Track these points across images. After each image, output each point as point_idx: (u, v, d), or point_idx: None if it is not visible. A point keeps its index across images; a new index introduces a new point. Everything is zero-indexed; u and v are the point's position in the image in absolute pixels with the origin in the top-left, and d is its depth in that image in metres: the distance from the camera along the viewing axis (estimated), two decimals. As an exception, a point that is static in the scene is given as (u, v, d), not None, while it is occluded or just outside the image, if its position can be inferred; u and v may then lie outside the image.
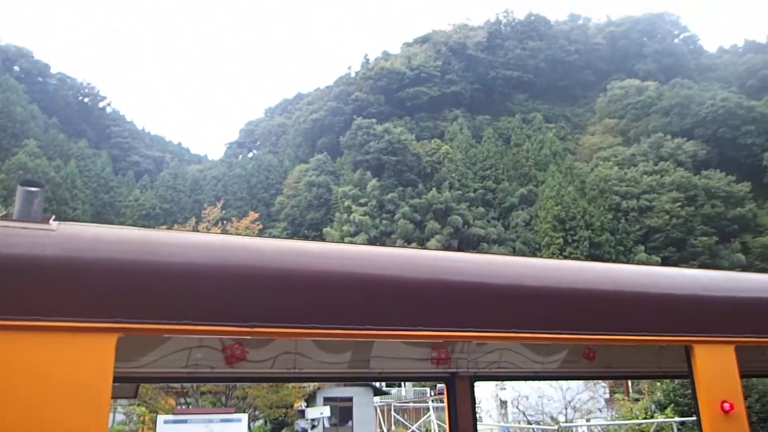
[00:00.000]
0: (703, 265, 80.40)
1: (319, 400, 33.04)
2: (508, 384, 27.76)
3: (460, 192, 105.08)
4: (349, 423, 35.61)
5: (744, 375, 3.34)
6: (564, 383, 23.72)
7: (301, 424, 18.76)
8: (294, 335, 2.58)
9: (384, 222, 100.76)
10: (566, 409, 24.60)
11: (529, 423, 25.04)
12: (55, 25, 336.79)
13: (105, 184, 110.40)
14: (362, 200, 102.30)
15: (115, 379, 2.15)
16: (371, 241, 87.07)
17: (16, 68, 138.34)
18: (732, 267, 74.99)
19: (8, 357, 2.03)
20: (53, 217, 2.41)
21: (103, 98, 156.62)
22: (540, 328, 2.98)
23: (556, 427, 21.43)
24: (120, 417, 28.67)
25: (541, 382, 22.95)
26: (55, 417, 2.01)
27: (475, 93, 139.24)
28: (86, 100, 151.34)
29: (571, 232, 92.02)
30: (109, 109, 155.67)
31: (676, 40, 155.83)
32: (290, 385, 27.23)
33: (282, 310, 2.47)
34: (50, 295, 2.15)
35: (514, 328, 2.91)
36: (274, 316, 2.44)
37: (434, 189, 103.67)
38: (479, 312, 2.87)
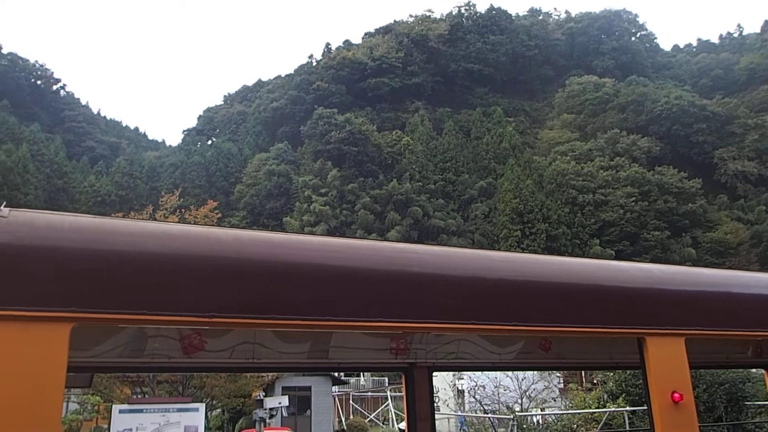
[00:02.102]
0: (655, 259, 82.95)
1: (278, 389, 32.90)
2: (465, 374, 28.06)
3: (420, 183, 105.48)
4: (308, 412, 35.56)
5: (692, 366, 3.45)
6: (520, 373, 24.12)
7: (259, 413, 18.66)
8: (252, 325, 2.60)
9: (344, 212, 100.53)
10: (522, 398, 24.98)
11: (486, 412, 25.34)
12: (5, 3, 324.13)
13: (58, 170, 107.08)
14: (323, 190, 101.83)
15: (69, 369, 2.12)
16: (331, 232, 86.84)
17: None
18: (683, 261, 77.50)
19: None
20: (4, 203, 2.35)
21: (58, 81, 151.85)
22: (497, 319, 3.01)
23: (511, 416, 21.75)
24: (74, 406, 28.07)
25: (498, 372, 23.38)
26: (6, 408, 1.98)
27: (436, 85, 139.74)
28: (39, 82, 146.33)
29: (529, 224, 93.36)
30: (63, 92, 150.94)
31: (633, 38, 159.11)
32: (248, 374, 27.07)
33: (240, 301, 2.44)
34: (1, 283, 2.10)
35: (472, 319, 2.92)
36: (232, 306, 2.41)
37: (395, 180, 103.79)
38: (438, 304, 2.88)
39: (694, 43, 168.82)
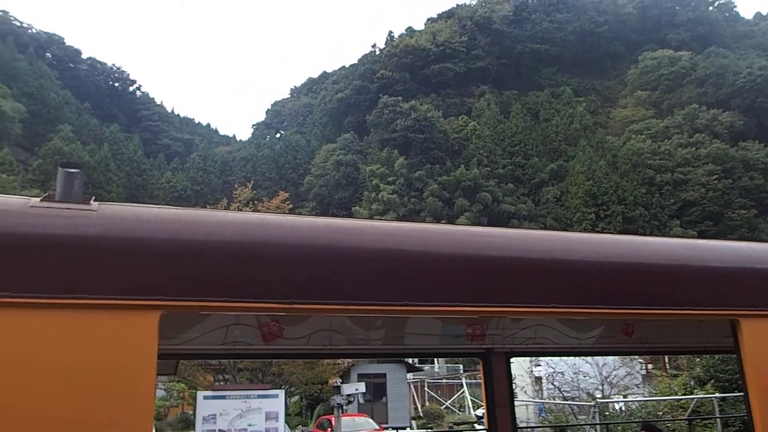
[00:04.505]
0: (741, 239, 78.68)
1: (353, 376, 33.41)
2: (542, 360, 27.66)
3: (488, 168, 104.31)
4: (384, 399, 36.03)
5: None
6: (600, 359, 23.57)
7: (336, 399, 19.05)
8: (330, 311, 2.57)
9: (413, 200, 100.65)
10: (603, 385, 24.43)
11: (565, 399, 24.92)
12: (84, 10, 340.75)
13: (137, 167, 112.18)
14: (390, 179, 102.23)
15: (157, 356, 2.18)
16: (400, 220, 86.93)
17: (49, 55, 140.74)
18: (770, 240, 73.12)
19: (55, 334, 2.07)
20: (93, 197, 2.42)
21: (133, 82, 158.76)
22: (577, 303, 2.92)
23: (593, 403, 21.25)
24: (161, 393, 29.45)
25: (577, 358, 22.90)
26: (104, 392, 2.05)
27: (501, 68, 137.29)
28: (116, 84, 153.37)
29: (604, 207, 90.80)
30: (138, 93, 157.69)
31: (710, 8, 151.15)
32: (325, 361, 27.60)
33: (319, 287, 2.46)
34: (94, 274, 2.17)
35: (551, 303, 2.86)
36: (311, 292, 2.43)
37: (462, 166, 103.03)
38: (515, 287, 2.83)
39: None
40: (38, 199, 2.32)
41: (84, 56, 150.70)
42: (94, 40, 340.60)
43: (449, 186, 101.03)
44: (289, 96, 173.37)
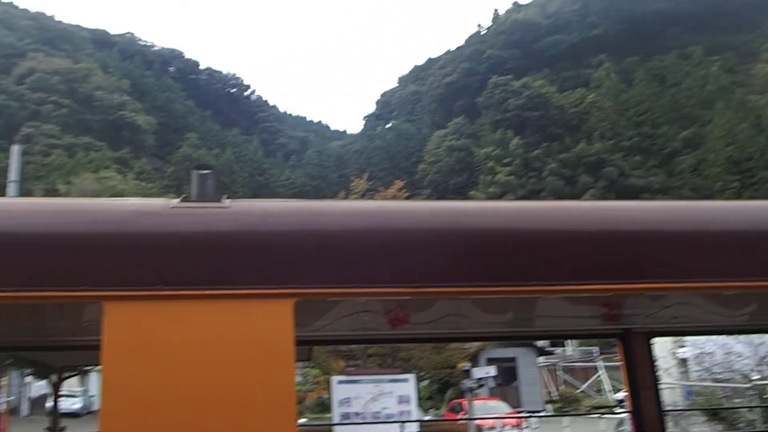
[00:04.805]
0: None
1: (482, 361, 33.29)
2: (687, 341, 25.96)
3: (612, 142, 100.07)
4: (514, 383, 35.83)
5: None
6: (755, 338, 21.65)
7: (467, 383, 19.28)
8: (457, 294, 2.58)
9: (531, 181, 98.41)
10: (760, 365, 22.40)
11: (716, 381, 23.13)
12: (196, 24, 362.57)
13: (259, 167, 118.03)
14: (506, 160, 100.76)
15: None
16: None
17: (172, 69, 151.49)
18: None
19: (202, 323, 2.28)
20: (226, 195, 2.60)
21: (247, 87, 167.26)
22: (726, 276, 2.64)
23: (749, 385, 19.47)
24: (298, 378, 31.03)
25: (728, 338, 21.58)
26: (250, 375, 2.24)
27: (620, 34, 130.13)
28: (233, 90, 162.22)
29: (749, 174, 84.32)
30: (253, 97, 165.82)
31: None
32: (453, 346, 27.80)
33: (444, 270, 2.46)
34: (231, 266, 2.34)
35: (695, 277, 2.62)
36: (436, 276, 2.44)
37: (583, 141, 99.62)
38: (653, 262, 2.62)
39: None
40: (177, 200, 2.53)
41: (202, 67, 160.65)
42: (210, 51, 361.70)
43: (570, 163, 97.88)
44: (397, 85, 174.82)
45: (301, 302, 2.33)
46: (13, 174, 20.54)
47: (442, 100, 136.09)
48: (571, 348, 49.12)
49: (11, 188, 21.03)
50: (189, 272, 2.30)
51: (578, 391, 41.64)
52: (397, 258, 2.44)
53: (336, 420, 17.28)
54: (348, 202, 2.92)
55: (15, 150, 21.81)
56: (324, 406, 30.30)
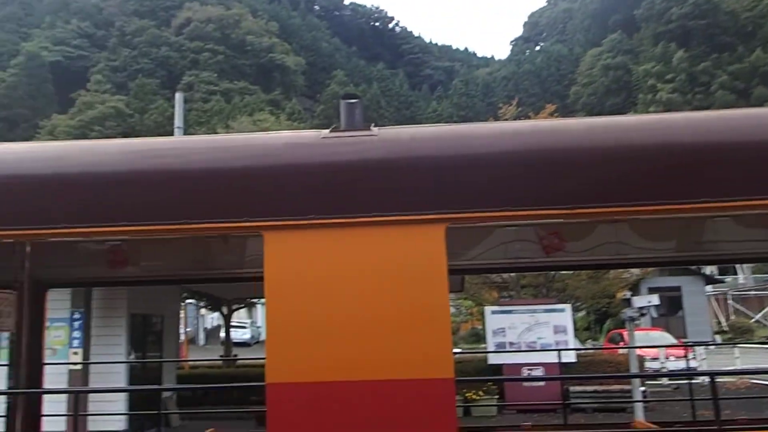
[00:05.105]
0: None
1: (643, 290, 31.76)
2: None
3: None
4: (679, 313, 34.05)
5: None
6: None
7: (628, 312, 18.54)
8: (614, 214, 2.40)
9: (697, 97, 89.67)
10: None
11: None
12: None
13: (405, 101, 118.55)
14: (669, 76, 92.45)
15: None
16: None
17: (316, 7, 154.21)
18: None
19: (357, 249, 2.31)
20: (374, 123, 2.60)
21: (391, 19, 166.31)
22: None
23: None
24: (452, 310, 31.69)
25: None
26: (404, 300, 2.25)
27: None
28: (377, 24, 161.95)
29: None
30: (398, 29, 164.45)
31: None
32: (611, 275, 26.87)
33: (601, 190, 2.35)
34: (382, 193, 2.35)
35: None
36: (592, 196, 2.34)
37: (759, 49, 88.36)
38: None
39: None
40: (328, 131, 2.56)
41: (346, 2, 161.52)
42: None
43: (743, 75, 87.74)
44: (546, 4, 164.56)
45: (452, 229, 2.31)
46: (178, 120, 21.64)
47: (596, 15, 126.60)
48: (742, 276, 45.60)
49: (177, 134, 22.79)
50: (342, 201, 2.36)
51: (752, 321, 38.81)
52: (550, 179, 2.36)
53: (491, 350, 17.43)
54: (497, 124, 2.89)
55: (178, 98, 22.76)
56: (478, 336, 30.75)
